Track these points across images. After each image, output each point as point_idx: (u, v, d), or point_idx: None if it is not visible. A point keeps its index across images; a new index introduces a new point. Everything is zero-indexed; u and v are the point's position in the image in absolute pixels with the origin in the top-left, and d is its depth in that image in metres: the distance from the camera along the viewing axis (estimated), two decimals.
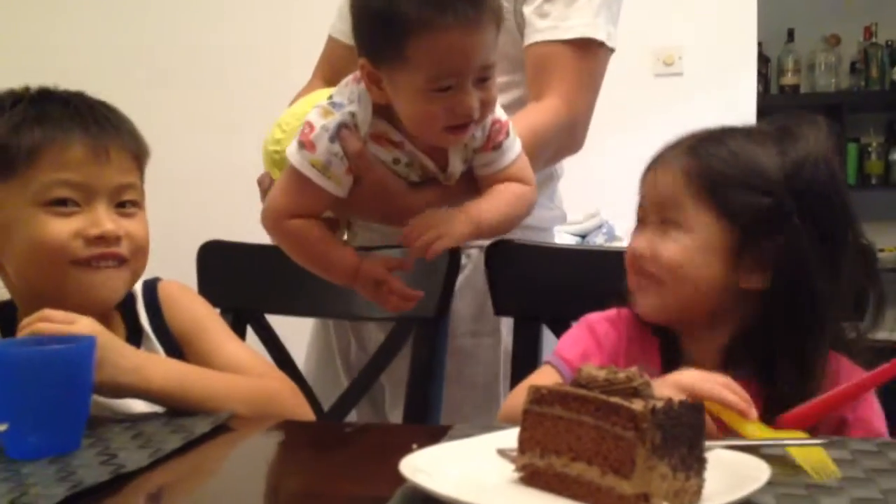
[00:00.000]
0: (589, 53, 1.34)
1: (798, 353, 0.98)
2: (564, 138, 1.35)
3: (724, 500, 0.61)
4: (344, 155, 1.06)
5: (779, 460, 0.75)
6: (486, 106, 1.05)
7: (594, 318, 1.11)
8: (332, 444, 0.96)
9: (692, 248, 1.01)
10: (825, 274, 0.99)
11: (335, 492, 0.77)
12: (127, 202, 1.06)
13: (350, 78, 1.10)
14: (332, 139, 1.05)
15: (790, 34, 4.16)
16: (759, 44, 3.31)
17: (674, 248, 1.01)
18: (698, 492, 0.64)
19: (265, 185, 1.24)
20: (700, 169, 1.02)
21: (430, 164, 1.11)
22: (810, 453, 0.76)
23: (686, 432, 0.64)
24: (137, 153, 1.09)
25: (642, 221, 1.07)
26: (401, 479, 0.65)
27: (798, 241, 0.98)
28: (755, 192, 1.00)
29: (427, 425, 1.27)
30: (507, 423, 0.89)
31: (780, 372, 0.98)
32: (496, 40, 1.03)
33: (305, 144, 1.06)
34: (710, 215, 1.01)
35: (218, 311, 1.22)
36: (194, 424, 0.92)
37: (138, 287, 1.14)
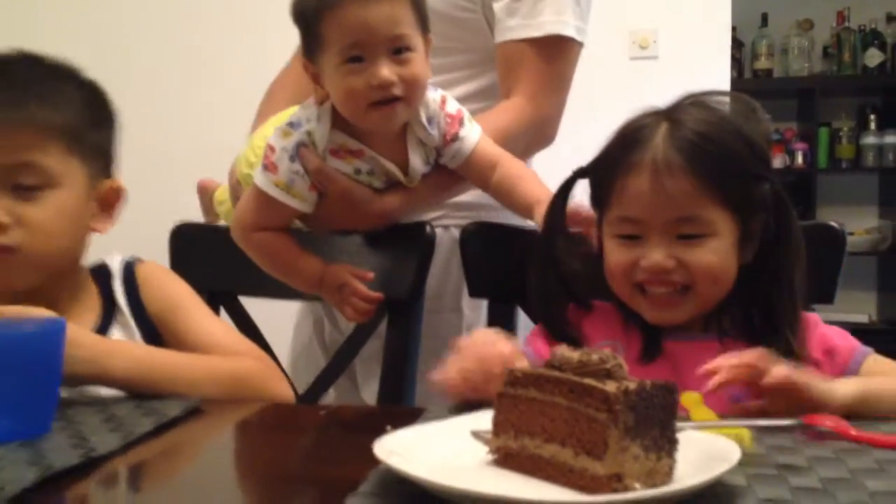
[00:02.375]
0: (558, 51, 1.34)
1: (770, 308, 1.01)
2: (533, 135, 1.37)
3: (695, 480, 0.61)
4: (305, 172, 1.12)
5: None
6: (410, 82, 1.09)
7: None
8: (306, 426, 0.96)
9: (723, 250, 0.99)
10: (799, 238, 1.02)
11: (309, 474, 0.77)
12: (24, 186, 0.98)
13: (311, 99, 1.15)
14: (291, 159, 1.12)
15: (764, 18, 4.19)
16: (733, 28, 3.33)
17: (707, 255, 0.98)
18: (670, 472, 0.65)
19: (237, 193, 1.28)
20: (710, 168, 0.97)
21: (391, 167, 1.17)
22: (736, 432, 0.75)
23: (658, 413, 0.65)
24: (49, 127, 0.99)
25: (643, 235, 1.00)
26: (375, 461, 0.65)
27: (786, 209, 1.01)
28: (757, 177, 1.01)
29: (402, 407, 1.27)
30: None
31: (758, 329, 1.01)
32: (411, 15, 1.09)
33: (268, 167, 1.14)
34: (725, 212, 0.99)
35: None
36: (166, 408, 0.91)
37: (116, 266, 1.11)
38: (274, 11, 2.71)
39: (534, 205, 1.17)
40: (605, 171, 1.05)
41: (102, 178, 1.08)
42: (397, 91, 1.08)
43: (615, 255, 1.02)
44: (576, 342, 1.00)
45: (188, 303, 1.11)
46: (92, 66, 1.09)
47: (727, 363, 0.85)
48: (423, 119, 1.17)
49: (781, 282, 1.01)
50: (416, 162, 1.18)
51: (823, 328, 1.04)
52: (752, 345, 0.99)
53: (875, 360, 1.00)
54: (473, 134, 1.20)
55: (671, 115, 1.02)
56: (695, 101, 1.05)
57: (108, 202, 1.09)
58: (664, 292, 1.00)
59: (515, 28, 1.32)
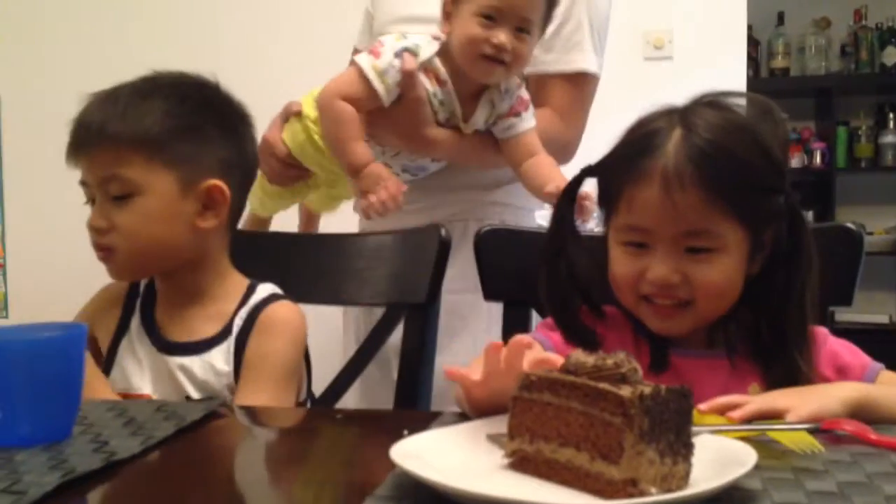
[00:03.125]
0: (584, 83, 1.55)
1: (778, 326, 1.00)
2: (556, 148, 1.48)
3: (711, 484, 0.61)
4: (399, 70, 1.33)
5: (764, 446, 0.76)
6: (517, 57, 1.33)
7: (551, 322, 1.10)
8: (323, 430, 0.97)
9: (730, 267, 0.97)
10: (812, 255, 1.00)
11: (326, 477, 0.77)
12: (115, 195, 1.10)
13: (429, 34, 1.38)
14: (396, 55, 1.34)
15: (780, 17, 4.16)
16: (749, 27, 3.31)
17: (712, 271, 0.96)
18: (686, 477, 0.65)
19: (291, 110, 1.48)
20: (723, 179, 0.94)
21: (458, 109, 1.39)
22: (795, 437, 0.77)
23: (673, 418, 0.65)
24: (129, 141, 1.09)
25: (650, 245, 0.97)
26: (391, 465, 0.65)
27: (800, 223, 1.00)
28: (770, 190, 0.99)
29: (417, 411, 1.27)
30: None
31: (767, 345, 0.99)
32: (543, 10, 1.33)
33: (373, 52, 1.36)
34: (736, 228, 0.96)
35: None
36: (186, 411, 0.92)
37: (260, 294, 1.16)
38: (281, 21, 2.72)
39: (548, 182, 1.33)
40: (614, 174, 1.02)
41: (199, 179, 1.12)
42: (506, 57, 1.31)
43: (621, 264, 1.01)
44: (591, 344, 1.00)
45: (261, 366, 1.12)
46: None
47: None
48: (503, 88, 1.40)
49: (791, 297, 0.99)
50: (479, 116, 1.40)
51: (832, 343, 1.03)
52: (761, 362, 0.99)
53: (888, 376, 1.00)
54: (529, 121, 1.43)
55: (685, 118, 0.99)
56: (710, 102, 1.02)
57: (211, 200, 1.14)
58: (668, 304, 0.98)
59: (551, 62, 1.51)
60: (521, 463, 0.70)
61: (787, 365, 0.97)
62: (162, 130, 1.10)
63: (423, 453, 0.68)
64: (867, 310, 3.81)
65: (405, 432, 0.73)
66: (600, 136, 2.92)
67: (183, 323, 1.16)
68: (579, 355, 0.68)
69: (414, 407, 1.30)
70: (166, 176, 1.10)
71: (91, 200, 1.12)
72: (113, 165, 1.09)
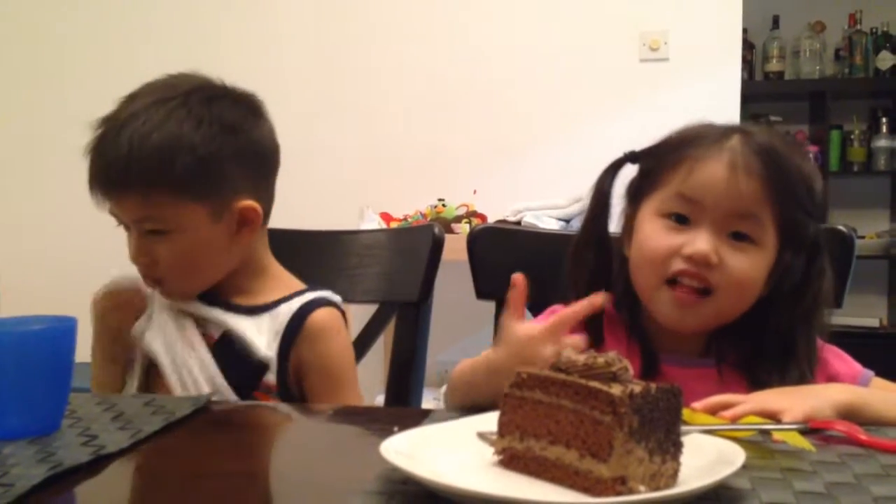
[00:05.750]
0: None
1: (789, 345, 1.00)
2: None
3: (699, 483, 0.62)
4: None
5: (754, 445, 0.76)
6: None
7: (558, 309, 1.10)
8: (314, 426, 0.96)
9: (760, 266, 0.98)
10: (824, 278, 1.01)
11: (316, 474, 0.77)
12: (151, 231, 1.11)
13: None
14: None
15: (775, 20, 4.17)
16: (745, 30, 3.32)
17: (745, 263, 0.96)
18: (674, 475, 0.65)
19: None
20: (779, 182, 0.96)
21: None
22: (787, 437, 0.77)
23: (663, 416, 0.65)
24: (157, 184, 1.08)
25: (693, 221, 0.97)
26: (381, 462, 0.65)
27: (821, 260, 1.01)
28: (807, 214, 1.00)
29: (408, 408, 1.27)
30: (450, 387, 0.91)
31: (767, 362, 0.99)
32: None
33: None
34: (774, 231, 0.98)
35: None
36: (175, 406, 0.92)
37: (306, 297, 1.17)
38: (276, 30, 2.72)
39: None
40: (669, 154, 1.01)
41: (229, 203, 1.13)
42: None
43: (656, 238, 0.98)
44: (596, 341, 1.00)
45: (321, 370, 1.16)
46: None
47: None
48: None
49: (806, 324, 1.00)
50: None
51: (821, 351, 1.03)
52: (749, 374, 0.99)
53: (879, 383, 1.01)
54: None
55: (738, 128, 1.01)
56: (754, 124, 1.05)
57: (244, 219, 1.15)
58: (694, 285, 0.96)
59: None
60: (511, 460, 0.70)
61: (796, 381, 0.97)
62: (186, 169, 1.09)
63: (413, 450, 0.68)
64: (858, 313, 3.82)
65: (395, 429, 0.72)
66: (598, 135, 2.94)
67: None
68: (570, 353, 0.68)
69: (405, 404, 1.30)
70: (198, 210, 1.11)
71: (125, 226, 1.14)
72: (144, 208, 1.09)
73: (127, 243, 1.15)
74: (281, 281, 1.21)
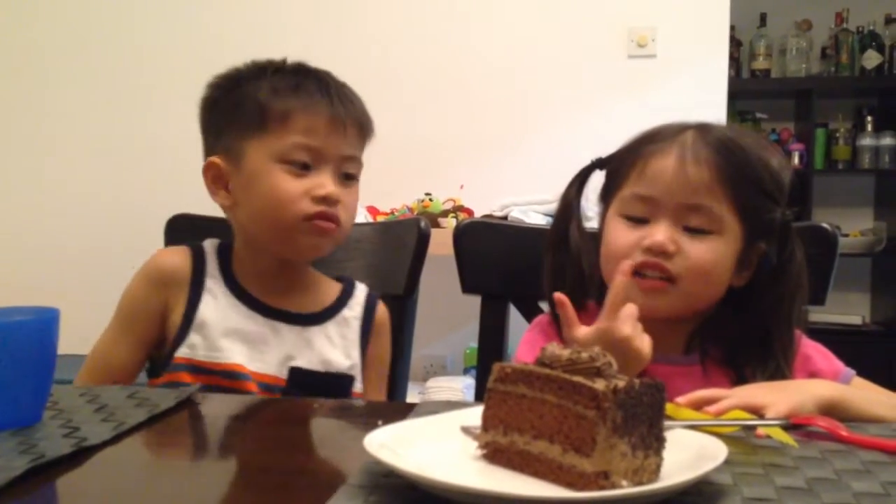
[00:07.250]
0: None
1: (765, 336, 1.01)
2: None
3: (681, 478, 0.62)
4: None
5: (736, 441, 0.77)
6: None
7: (545, 319, 1.11)
8: (298, 419, 0.96)
9: (721, 252, 0.99)
10: (802, 269, 1.03)
11: (299, 467, 0.77)
12: (348, 174, 1.17)
13: None
14: None
15: (762, 18, 4.18)
16: (732, 27, 3.33)
17: (705, 250, 0.98)
18: (657, 470, 0.65)
19: None
20: (733, 169, 0.98)
21: None
22: (770, 432, 0.78)
23: (646, 412, 0.65)
24: (365, 131, 1.20)
25: (651, 218, 1.01)
26: (365, 455, 0.65)
27: (791, 244, 1.02)
28: (770, 199, 1.01)
29: (393, 402, 1.27)
30: None
31: (746, 355, 1.00)
32: None
33: None
34: (734, 218, 0.99)
35: None
36: (159, 399, 0.92)
37: (360, 292, 1.24)
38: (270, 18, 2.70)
39: None
40: (627, 154, 1.05)
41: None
42: None
43: (619, 235, 1.02)
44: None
45: (381, 367, 1.25)
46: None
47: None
48: None
49: (780, 313, 1.01)
50: None
51: (805, 347, 1.05)
52: (735, 370, 1.00)
53: (860, 382, 1.01)
54: None
55: (698, 125, 1.03)
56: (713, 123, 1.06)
57: None
58: (656, 276, 0.99)
59: None
60: (495, 455, 0.70)
61: (769, 372, 0.98)
62: (370, 128, 1.21)
63: (396, 444, 0.68)
64: (840, 310, 3.85)
65: (380, 422, 0.72)
66: (585, 132, 2.93)
67: (281, 301, 1.20)
68: (555, 348, 0.69)
69: (390, 398, 1.29)
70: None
71: (304, 166, 1.14)
72: (355, 148, 1.18)
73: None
74: (324, 280, 1.25)
